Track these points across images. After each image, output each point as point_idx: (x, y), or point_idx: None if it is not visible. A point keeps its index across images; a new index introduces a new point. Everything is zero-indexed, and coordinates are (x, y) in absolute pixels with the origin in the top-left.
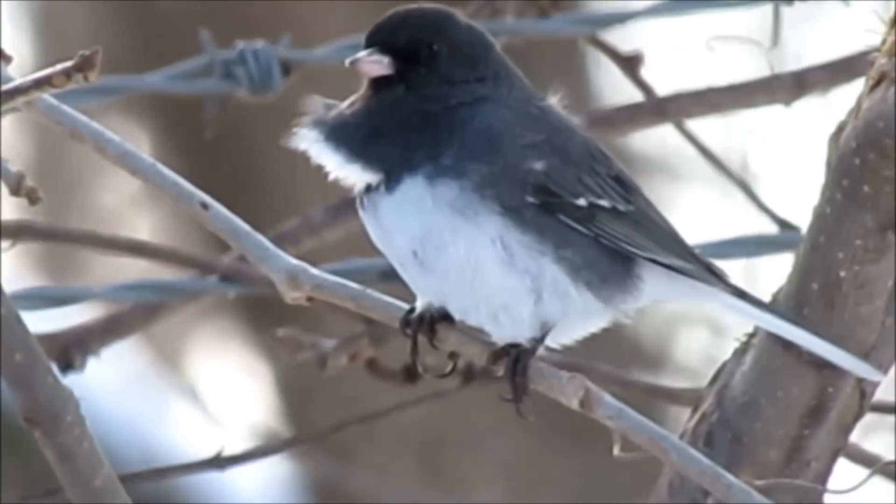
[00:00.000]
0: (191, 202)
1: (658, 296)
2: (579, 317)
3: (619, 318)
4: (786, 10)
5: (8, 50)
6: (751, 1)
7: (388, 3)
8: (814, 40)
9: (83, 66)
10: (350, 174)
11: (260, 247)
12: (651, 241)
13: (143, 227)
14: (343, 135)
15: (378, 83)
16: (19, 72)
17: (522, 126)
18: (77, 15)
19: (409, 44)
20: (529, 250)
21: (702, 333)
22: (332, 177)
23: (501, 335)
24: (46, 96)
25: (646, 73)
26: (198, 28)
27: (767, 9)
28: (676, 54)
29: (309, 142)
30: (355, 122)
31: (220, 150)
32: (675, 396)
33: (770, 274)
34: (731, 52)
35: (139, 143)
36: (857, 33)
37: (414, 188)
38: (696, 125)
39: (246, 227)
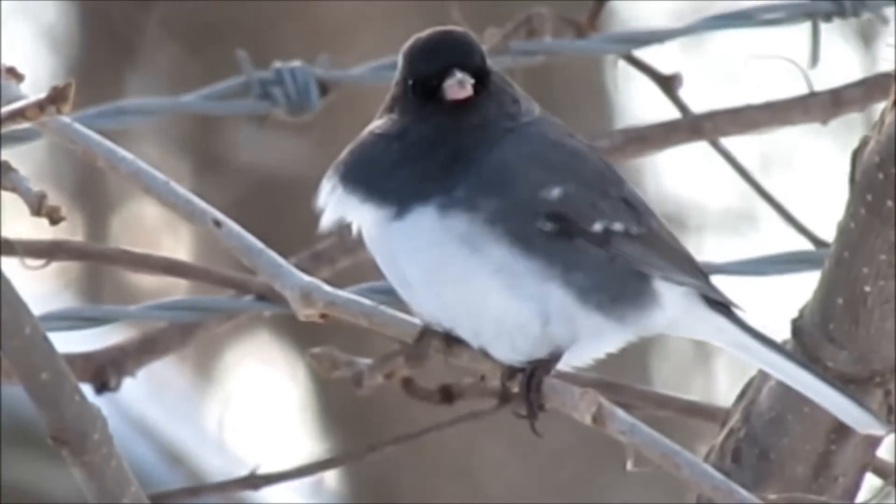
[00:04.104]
0: (203, 220)
1: (678, 323)
2: (591, 337)
3: (641, 335)
4: (823, 28)
5: (20, 68)
6: (789, 19)
7: (421, 23)
8: (852, 58)
9: (56, 99)
10: (363, 215)
11: (273, 264)
12: (663, 260)
13: (181, 247)
14: (359, 173)
15: (458, 105)
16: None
17: (540, 156)
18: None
19: (482, 64)
20: (536, 276)
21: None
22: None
23: (509, 358)
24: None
25: (682, 91)
26: (235, 49)
27: (805, 26)
28: (713, 72)
29: (325, 195)
30: (381, 152)
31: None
32: (711, 414)
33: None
34: (768, 70)
35: (179, 174)
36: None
37: (425, 218)
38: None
39: (259, 244)
